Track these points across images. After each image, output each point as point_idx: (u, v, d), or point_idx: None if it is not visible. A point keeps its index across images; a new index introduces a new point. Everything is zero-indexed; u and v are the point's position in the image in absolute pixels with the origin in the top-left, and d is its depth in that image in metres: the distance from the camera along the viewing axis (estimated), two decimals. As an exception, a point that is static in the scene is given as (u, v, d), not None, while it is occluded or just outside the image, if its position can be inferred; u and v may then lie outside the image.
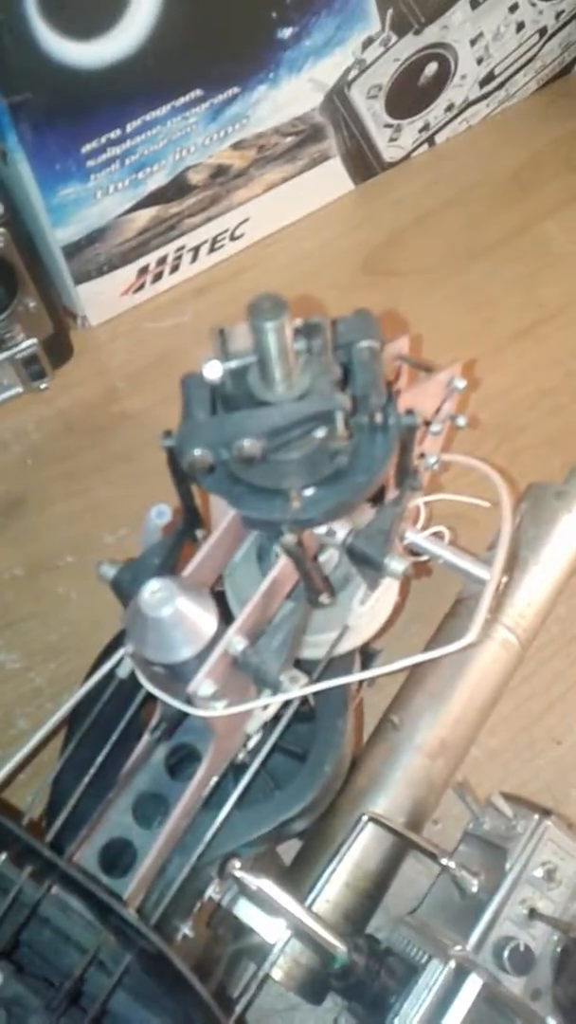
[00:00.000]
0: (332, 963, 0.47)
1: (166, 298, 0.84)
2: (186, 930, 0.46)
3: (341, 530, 0.40)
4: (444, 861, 0.51)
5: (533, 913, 0.49)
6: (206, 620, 0.36)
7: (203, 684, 0.36)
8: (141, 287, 0.82)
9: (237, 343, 0.35)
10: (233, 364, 0.33)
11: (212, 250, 0.83)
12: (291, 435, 0.33)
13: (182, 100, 0.72)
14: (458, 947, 0.48)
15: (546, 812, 0.52)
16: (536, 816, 0.52)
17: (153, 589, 0.34)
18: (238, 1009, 0.48)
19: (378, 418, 0.36)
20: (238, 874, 0.44)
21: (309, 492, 0.36)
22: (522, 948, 0.48)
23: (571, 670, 0.65)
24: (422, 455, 0.49)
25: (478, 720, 0.59)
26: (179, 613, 0.34)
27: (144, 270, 0.81)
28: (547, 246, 0.85)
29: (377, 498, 0.43)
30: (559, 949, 0.49)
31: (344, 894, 0.53)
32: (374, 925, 0.54)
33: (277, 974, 0.50)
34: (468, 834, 0.54)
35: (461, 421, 0.50)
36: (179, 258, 0.82)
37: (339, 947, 0.46)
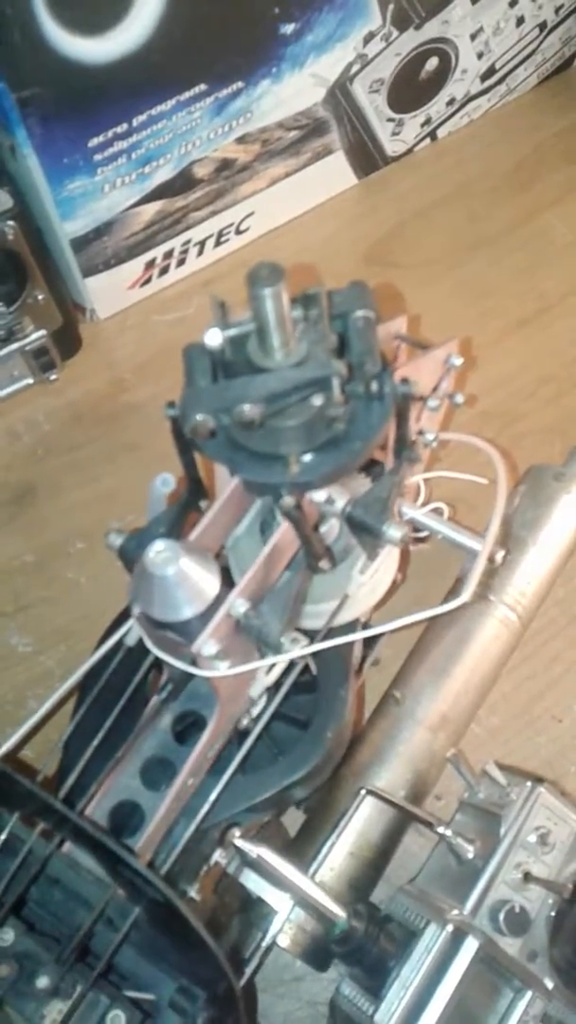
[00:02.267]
0: (332, 930, 0.48)
1: (173, 291, 0.85)
2: (192, 893, 0.47)
3: (340, 499, 0.41)
4: (440, 829, 0.52)
5: (528, 876, 0.50)
6: (209, 581, 0.37)
7: (207, 644, 0.38)
8: (148, 280, 0.83)
9: (237, 315, 0.36)
10: (233, 332, 0.35)
11: (218, 244, 0.85)
12: (289, 400, 0.35)
13: (187, 95, 0.73)
14: (455, 911, 0.49)
15: (539, 779, 0.53)
16: (529, 783, 0.53)
17: (158, 549, 0.35)
18: (247, 972, 0.50)
19: (374, 386, 0.37)
20: (237, 843, 0.45)
21: (307, 458, 0.37)
22: (517, 910, 0.49)
23: (570, 651, 0.66)
24: (420, 432, 0.50)
25: (479, 696, 0.60)
26: (182, 572, 0.36)
27: (151, 263, 0.82)
28: (548, 237, 0.86)
29: (375, 470, 0.44)
30: (553, 912, 0.50)
31: (348, 864, 0.54)
32: (377, 896, 0.56)
33: (283, 941, 0.52)
34: (464, 803, 0.55)
35: (459, 399, 0.51)
36: (185, 252, 0.83)
37: (339, 914, 0.48)
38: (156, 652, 0.40)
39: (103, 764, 0.45)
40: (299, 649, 0.38)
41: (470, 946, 0.47)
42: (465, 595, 0.38)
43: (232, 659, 0.39)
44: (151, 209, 0.79)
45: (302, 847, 0.55)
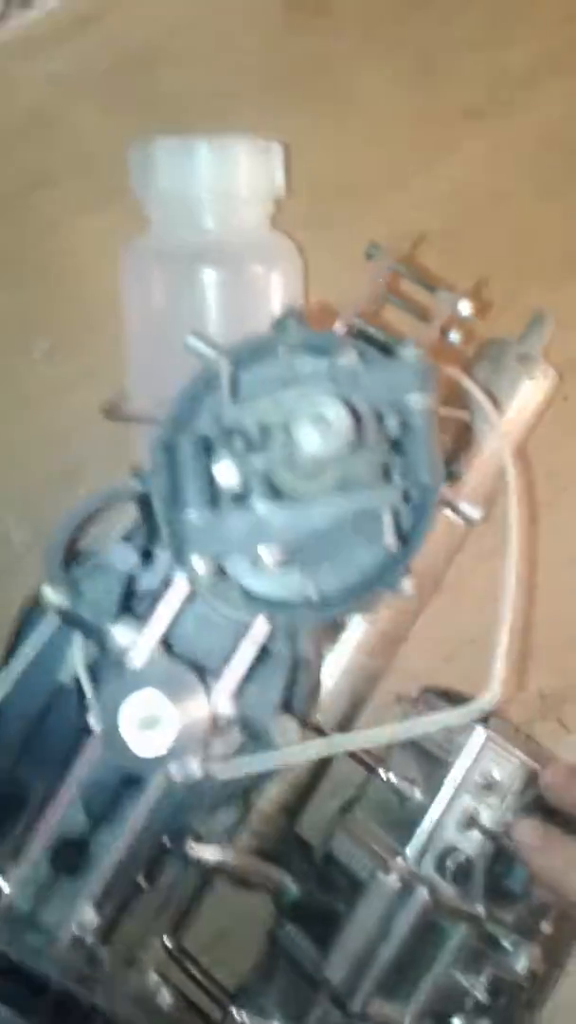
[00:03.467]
0: (283, 899, 0.48)
1: (39, 31, 0.64)
2: (141, 882, 0.45)
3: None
4: (382, 772, 0.51)
5: (473, 822, 0.50)
6: (196, 706, 0.30)
7: (189, 763, 0.31)
8: (4, 16, 0.63)
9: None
10: (259, 464, 0.24)
11: (96, -38, 0.64)
12: (322, 540, 0.26)
13: None
14: (399, 859, 0.49)
15: (486, 719, 0.51)
16: (478, 727, 0.51)
17: (145, 727, 0.27)
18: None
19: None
20: (195, 854, 0.42)
21: (324, 569, 0.28)
22: (463, 859, 0.50)
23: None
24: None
25: (419, 609, 0.57)
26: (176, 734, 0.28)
27: (9, -3, 0.61)
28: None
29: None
30: (489, 855, 0.51)
31: (282, 788, 0.53)
32: (312, 822, 0.55)
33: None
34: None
35: (454, 338, 0.41)
36: (54, -23, 0.62)
37: (290, 886, 0.48)
38: (117, 758, 0.32)
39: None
40: (298, 748, 0.32)
41: (418, 899, 0.48)
42: (493, 692, 0.33)
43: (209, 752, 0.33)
44: None
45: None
